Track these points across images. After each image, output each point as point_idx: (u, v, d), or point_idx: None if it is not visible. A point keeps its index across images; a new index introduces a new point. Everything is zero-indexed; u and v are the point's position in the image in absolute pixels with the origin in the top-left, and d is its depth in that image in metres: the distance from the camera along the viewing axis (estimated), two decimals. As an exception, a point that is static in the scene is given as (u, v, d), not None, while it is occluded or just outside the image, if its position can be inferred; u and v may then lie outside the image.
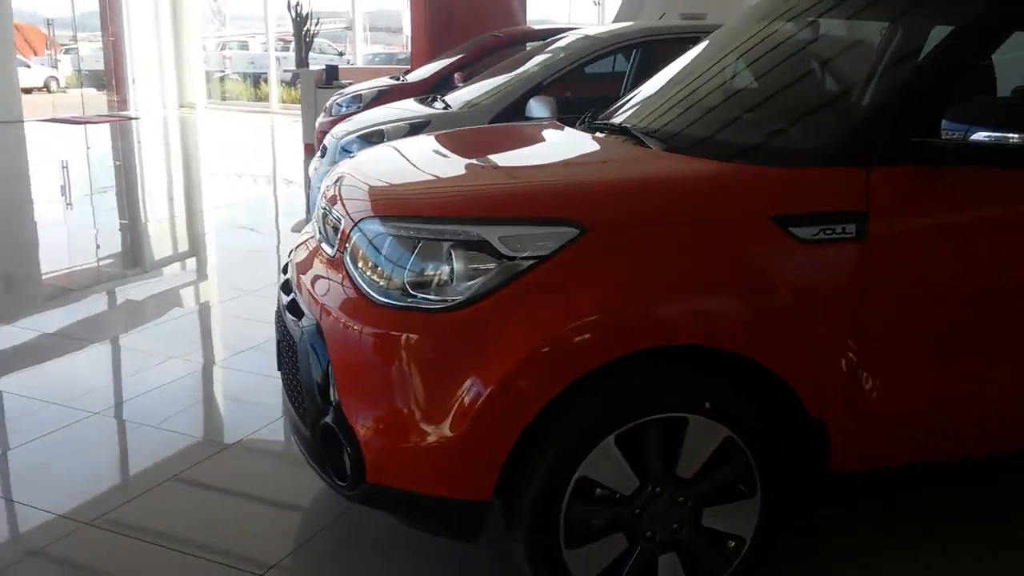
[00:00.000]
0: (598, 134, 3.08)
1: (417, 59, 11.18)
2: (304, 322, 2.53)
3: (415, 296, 2.24)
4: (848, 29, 2.92)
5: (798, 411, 2.34)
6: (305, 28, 12.88)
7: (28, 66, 27.84)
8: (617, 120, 3.16)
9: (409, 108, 6.00)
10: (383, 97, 8.11)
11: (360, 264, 2.37)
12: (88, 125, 16.06)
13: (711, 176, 2.43)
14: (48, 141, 13.96)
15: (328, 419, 2.35)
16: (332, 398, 2.34)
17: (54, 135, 14.62)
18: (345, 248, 2.47)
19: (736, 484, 2.37)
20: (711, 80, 3.07)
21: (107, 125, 16.25)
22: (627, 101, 3.42)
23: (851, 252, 2.28)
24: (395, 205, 2.45)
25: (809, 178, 2.34)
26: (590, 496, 2.28)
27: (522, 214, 2.26)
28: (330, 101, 8.77)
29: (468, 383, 2.16)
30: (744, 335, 2.25)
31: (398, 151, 3.20)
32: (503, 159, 3.06)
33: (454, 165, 2.87)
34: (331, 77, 12.04)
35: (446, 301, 2.21)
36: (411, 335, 2.23)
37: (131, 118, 17.43)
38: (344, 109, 8.27)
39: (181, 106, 19.77)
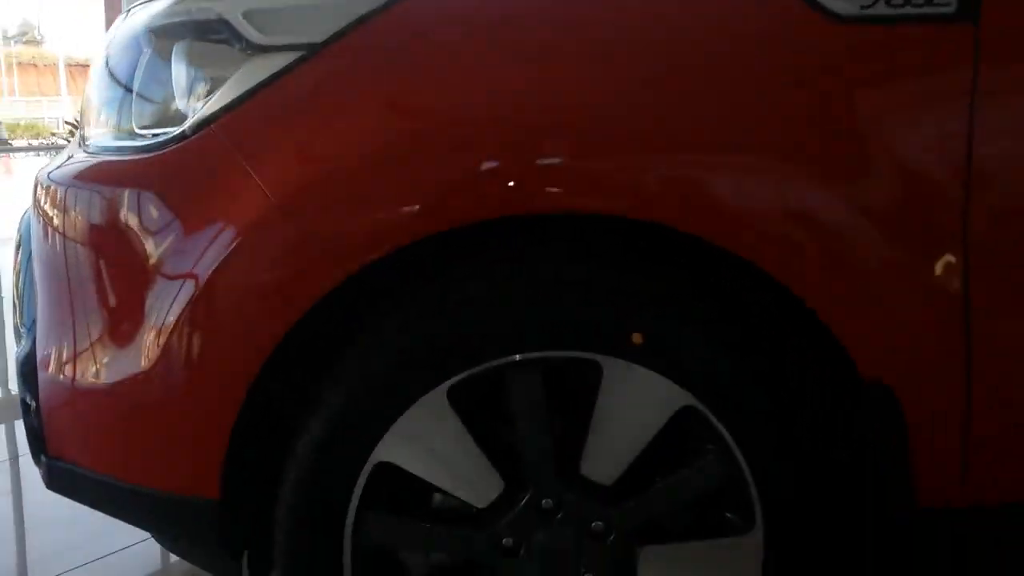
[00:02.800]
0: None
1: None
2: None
3: (138, 134, 1.28)
4: None
5: (842, 370, 1.18)
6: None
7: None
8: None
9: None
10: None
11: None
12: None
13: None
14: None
15: (19, 352, 1.42)
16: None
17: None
18: None
19: (711, 507, 1.23)
20: None
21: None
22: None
23: (946, 45, 1.11)
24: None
25: None
26: (406, 505, 1.21)
27: None
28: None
29: (172, 284, 1.17)
30: (711, 203, 1.12)
31: None
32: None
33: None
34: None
35: (163, 134, 1.23)
36: (106, 194, 1.26)
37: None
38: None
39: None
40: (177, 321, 1.16)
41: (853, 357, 1.13)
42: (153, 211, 1.22)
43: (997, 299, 1.13)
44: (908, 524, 1.18)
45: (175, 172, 1.20)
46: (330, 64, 1.15)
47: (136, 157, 1.24)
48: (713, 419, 1.16)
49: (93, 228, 1.28)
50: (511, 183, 1.10)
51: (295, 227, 1.12)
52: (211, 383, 1.17)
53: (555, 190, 1.11)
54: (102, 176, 1.28)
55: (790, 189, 1.11)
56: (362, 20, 1.14)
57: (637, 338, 1.13)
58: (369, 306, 1.17)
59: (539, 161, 1.11)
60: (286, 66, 1.15)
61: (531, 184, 1.10)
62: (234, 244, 1.13)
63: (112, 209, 1.25)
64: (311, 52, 1.15)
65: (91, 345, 1.26)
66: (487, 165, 1.11)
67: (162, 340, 1.18)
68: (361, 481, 1.16)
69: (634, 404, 1.15)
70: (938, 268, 1.11)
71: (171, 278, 1.17)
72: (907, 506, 1.17)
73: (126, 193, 1.24)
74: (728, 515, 1.21)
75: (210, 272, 1.13)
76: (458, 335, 1.14)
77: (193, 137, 1.18)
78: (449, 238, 1.11)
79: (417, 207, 1.11)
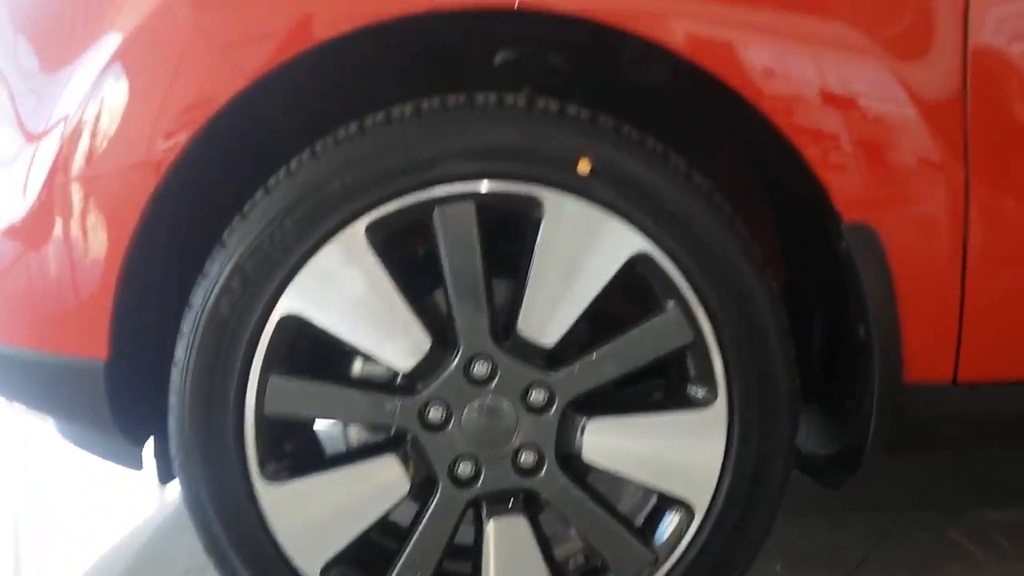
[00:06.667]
0: None
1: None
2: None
3: None
4: None
5: (819, 214, 1.04)
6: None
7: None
8: None
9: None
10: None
11: None
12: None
13: None
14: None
15: None
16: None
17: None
18: None
19: (669, 374, 1.08)
20: None
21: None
22: None
23: None
24: None
25: None
26: (321, 363, 1.06)
27: None
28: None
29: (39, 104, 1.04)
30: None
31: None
32: None
33: None
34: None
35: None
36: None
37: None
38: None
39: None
40: (53, 163, 1.02)
41: (834, 198, 0.99)
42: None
43: (1001, 138, 1.00)
44: (896, 398, 1.04)
45: None
46: None
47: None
48: (671, 269, 1.01)
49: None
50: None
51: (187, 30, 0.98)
52: (95, 221, 1.02)
53: None
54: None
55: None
56: None
57: (584, 166, 0.98)
58: (273, 131, 1.03)
59: None
60: None
61: None
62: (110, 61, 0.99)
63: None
64: None
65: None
66: None
67: (36, 182, 1.04)
68: (266, 337, 1.00)
69: (579, 248, 1.00)
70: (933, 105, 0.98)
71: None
72: (895, 377, 1.03)
73: None
74: (688, 385, 1.06)
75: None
76: (377, 162, 0.99)
77: None
78: (364, 43, 0.97)
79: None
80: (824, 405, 1.18)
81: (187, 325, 1.01)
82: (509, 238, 1.05)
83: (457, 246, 1.00)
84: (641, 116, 1.11)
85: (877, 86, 0.97)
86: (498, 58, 1.15)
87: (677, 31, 0.97)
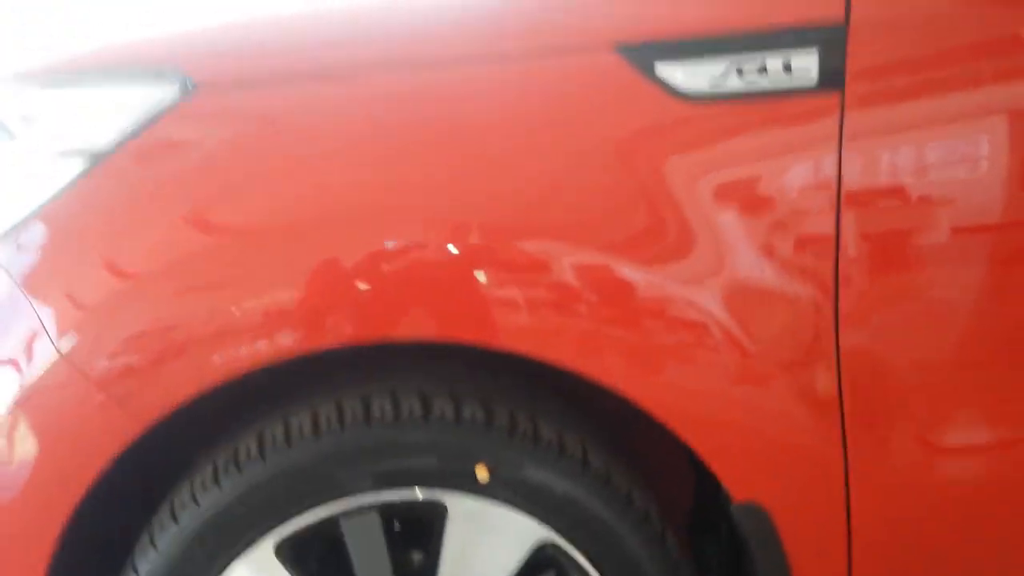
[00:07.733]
0: None
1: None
2: None
3: None
4: None
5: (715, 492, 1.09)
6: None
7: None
8: None
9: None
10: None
11: None
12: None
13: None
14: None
15: None
16: None
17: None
18: None
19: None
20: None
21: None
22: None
23: (808, 122, 1.01)
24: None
25: None
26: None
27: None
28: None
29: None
30: (533, 317, 1.01)
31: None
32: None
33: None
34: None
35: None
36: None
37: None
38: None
39: None
40: None
41: (723, 480, 1.03)
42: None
43: (875, 405, 1.04)
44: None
45: None
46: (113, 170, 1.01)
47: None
48: (573, 551, 1.05)
49: None
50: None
51: (69, 372, 0.99)
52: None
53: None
54: None
55: (636, 292, 1.01)
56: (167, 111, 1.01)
57: (482, 472, 1.01)
58: (170, 459, 1.04)
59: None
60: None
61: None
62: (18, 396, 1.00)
63: None
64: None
65: None
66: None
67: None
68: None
69: (484, 543, 1.04)
70: (808, 376, 1.02)
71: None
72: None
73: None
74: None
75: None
76: (280, 485, 1.01)
77: None
78: (264, 372, 0.99)
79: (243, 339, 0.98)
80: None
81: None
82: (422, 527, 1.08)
83: (365, 553, 1.03)
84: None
85: (726, 377, 1.01)
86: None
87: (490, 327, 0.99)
